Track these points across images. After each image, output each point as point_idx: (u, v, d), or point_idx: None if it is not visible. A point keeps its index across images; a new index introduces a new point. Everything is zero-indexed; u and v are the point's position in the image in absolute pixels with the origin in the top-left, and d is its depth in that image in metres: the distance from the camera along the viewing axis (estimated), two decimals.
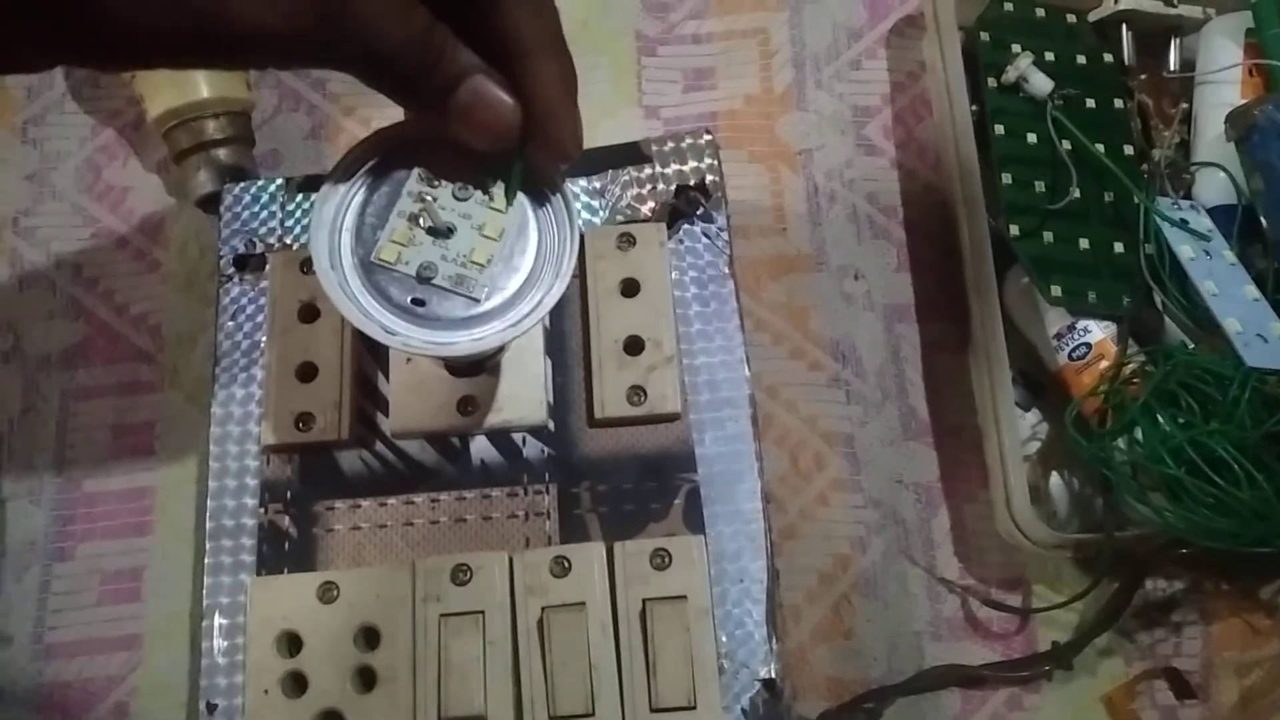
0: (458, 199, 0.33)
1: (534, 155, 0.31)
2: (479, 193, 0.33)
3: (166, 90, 0.48)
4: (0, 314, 0.50)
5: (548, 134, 0.30)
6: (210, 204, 0.49)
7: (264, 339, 0.44)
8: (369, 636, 0.40)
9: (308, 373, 0.43)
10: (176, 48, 0.25)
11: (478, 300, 0.32)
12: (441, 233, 0.33)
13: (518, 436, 0.43)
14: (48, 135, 0.53)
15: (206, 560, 0.42)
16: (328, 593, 0.40)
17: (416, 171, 0.33)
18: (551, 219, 0.33)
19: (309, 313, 0.44)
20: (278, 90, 0.54)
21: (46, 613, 0.46)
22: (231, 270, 0.46)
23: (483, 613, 0.39)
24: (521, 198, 0.33)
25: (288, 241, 0.46)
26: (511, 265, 0.33)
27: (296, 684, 0.40)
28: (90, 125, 0.53)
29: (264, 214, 0.46)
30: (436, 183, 0.33)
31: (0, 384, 0.49)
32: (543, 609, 0.39)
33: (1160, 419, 0.41)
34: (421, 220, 0.33)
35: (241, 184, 0.47)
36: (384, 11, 0.26)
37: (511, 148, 0.30)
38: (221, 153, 0.49)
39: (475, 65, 0.28)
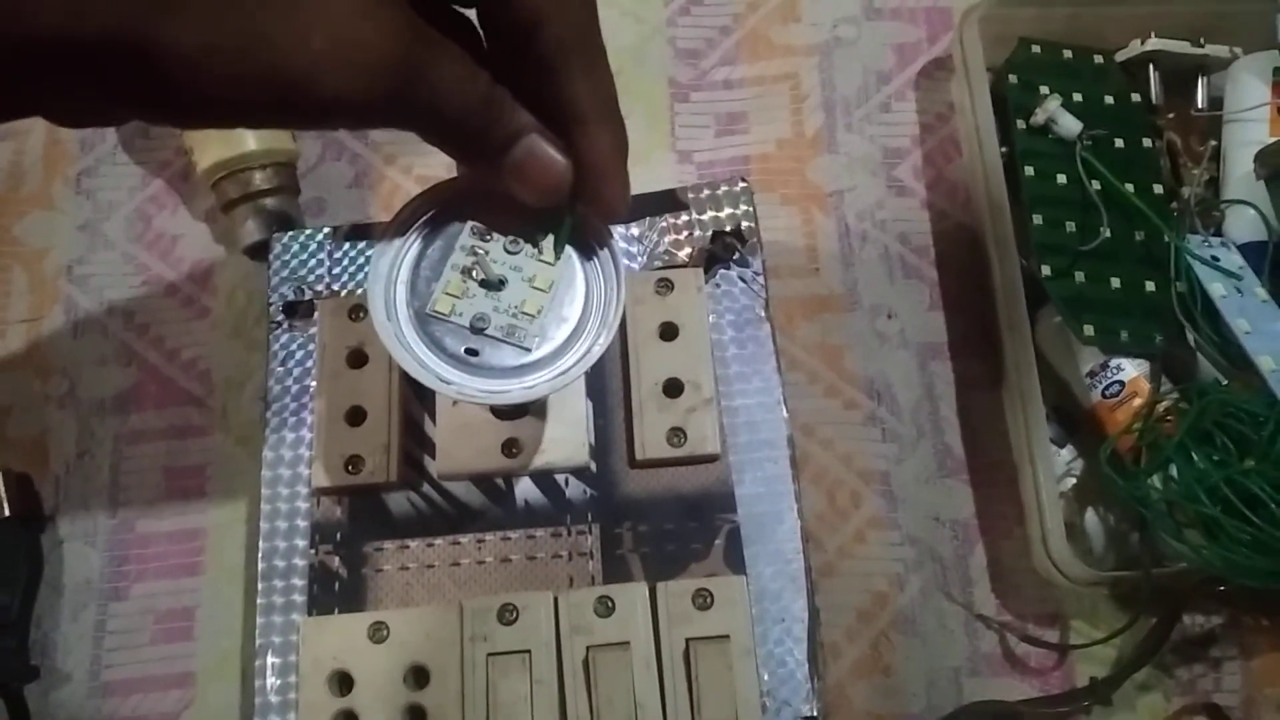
0: (509, 252, 0.34)
1: (583, 212, 0.33)
2: (529, 246, 0.34)
3: (215, 143, 0.50)
4: (55, 360, 0.52)
5: (598, 195, 0.31)
6: (258, 252, 0.50)
7: (313, 384, 0.46)
8: (419, 676, 0.41)
9: (357, 417, 0.44)
10: (259, 113, 0.26)
11: (528, 350, 0.33)
12: (494, 285, 0.34)
13: (561, 478, 0.44)
14: (100, 186, 0.55)
15: (259, 600, 0.43)
16: (378, 632, 0.41)
17: (469, 225, 0.34)
18: (599, 271, 0.34)
19: (357, 358, 0.45)
20: (321, 140, 0.55)
21: (102, 651, 0.47)
22: (281, 317, 0.47)
23: (529, 652, 0.40)
24: (570, 251, 0.34)
25: (335, 288, 0.47)
26: (560, 316, 0.34)
27: None
28: (140, 175, 0.55)
29: (312, 262, 0.48)
30: (489, 236, 0.34)
31: (56, 429, 0.51)
32: (588, 648, 0.40)
33: (1195, 457, 0.41)
34: (474, 273, 0.34)
35: (290, 233, 0.49)
36: (452, 76, 0.27)
37: (561, 204, 0.32)
38: (268, 202, 0.50)
39: (530, 125, 0.30)
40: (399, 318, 0.33)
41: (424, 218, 0.34)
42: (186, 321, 0.52)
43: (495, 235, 0.34)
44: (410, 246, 0.34)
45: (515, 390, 0.33)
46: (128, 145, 0.55)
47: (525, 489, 0.44)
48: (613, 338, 0.33)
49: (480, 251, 0.34)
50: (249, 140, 0.50)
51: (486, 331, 0.33)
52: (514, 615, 0.41)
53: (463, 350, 0.33)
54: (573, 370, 0.33)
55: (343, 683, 0.41)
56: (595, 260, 0.34)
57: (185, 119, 0.28)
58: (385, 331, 0.33)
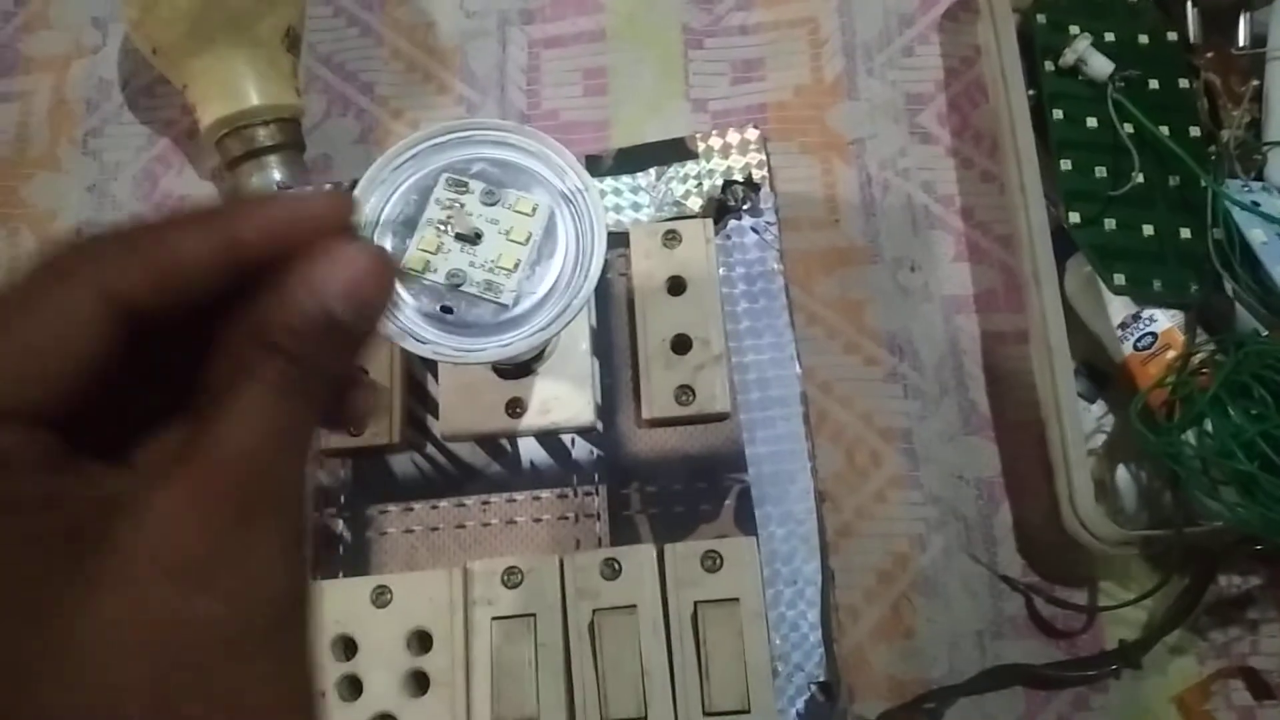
0: (485, 204, 0.33)
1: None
2: (507, 196, 0.33)
3: (217, 100, 0.49)
4: None
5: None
6: None
7: None
8: (422, 640, 0.40)
9: None
10: None
11: (506, 306, 0.32)
12: (469, 239, 0.32)
13: (567, 438, 0.43)
14: (106, 146, 0.54)
15: None
16: (381, 596, 0.40)
17: (444, 178, 0.33)
18: (579, 222, 0.33)
19: None
20: (326, 95, 0.54)
21: None
22: None
23: (534, 615, 0.39)
24: (549, 202, 0.33)
25: None
26: (540, 270, 0.33)
27: (352, 687, 0.40)
28: (146, 135, 0.54)
29: None
30: (464, 188, 0.33)
31: None
32: (594, 612, 0.39)
33: (1231, 411, 0.39)
34: (450, 227, 0.32)
35: (290, 191, 0.47)
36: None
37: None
38: (273, 159, 0.49)
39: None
40: None
41: (402, 163, 0.33)
42: None
43: (472, 187, 0.33)
44: (387, 201, 0.33)
45: (491, 348, 0.32)
46: (133, 105, 0.55)
47: (530, 449, 0.43)
48: (593, 291, 0.32)
49: (456, 205, 0.32)
50: (252, 95, 0.48)
51: (463, 287, 0.32)
52: (519, 578, 0.40)
53: (438, 308, 0.32)
54: (551, 326, 0.32)
55: (347, 647, 0.40)
56: (574, 211, 0.33)
57: None
58: None
